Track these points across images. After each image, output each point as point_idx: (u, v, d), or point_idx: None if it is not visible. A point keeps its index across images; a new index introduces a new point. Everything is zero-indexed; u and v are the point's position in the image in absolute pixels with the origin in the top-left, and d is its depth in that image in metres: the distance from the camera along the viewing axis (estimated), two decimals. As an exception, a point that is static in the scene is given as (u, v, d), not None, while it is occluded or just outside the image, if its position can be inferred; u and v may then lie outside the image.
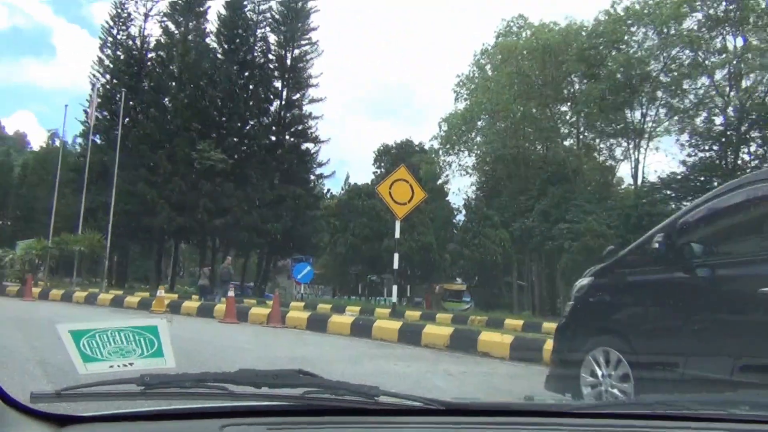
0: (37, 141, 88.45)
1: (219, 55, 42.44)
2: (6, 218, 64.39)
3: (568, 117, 42.88)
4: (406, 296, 45.62)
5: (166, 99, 41.60)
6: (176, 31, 42.19)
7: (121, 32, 42.90)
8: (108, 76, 42.11)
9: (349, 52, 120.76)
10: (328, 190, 54.50)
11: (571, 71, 39.64)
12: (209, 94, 40.57)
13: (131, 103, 40.49)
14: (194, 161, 37.68)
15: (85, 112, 39.38)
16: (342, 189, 59.72)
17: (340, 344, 11.91)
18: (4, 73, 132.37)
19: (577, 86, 41.02)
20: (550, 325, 21.95)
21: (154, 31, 43.79)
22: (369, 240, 44.99)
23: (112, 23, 42.80)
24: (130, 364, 1.61)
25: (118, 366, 1.61)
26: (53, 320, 2.11)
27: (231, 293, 16.04)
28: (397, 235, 14.53)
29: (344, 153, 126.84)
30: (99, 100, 40.11)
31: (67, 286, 24.39)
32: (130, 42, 42.62)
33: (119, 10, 42.81)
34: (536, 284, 42.27)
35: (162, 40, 42.39)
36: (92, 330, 1.60)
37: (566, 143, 43.49)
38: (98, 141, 40.28)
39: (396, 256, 14.35)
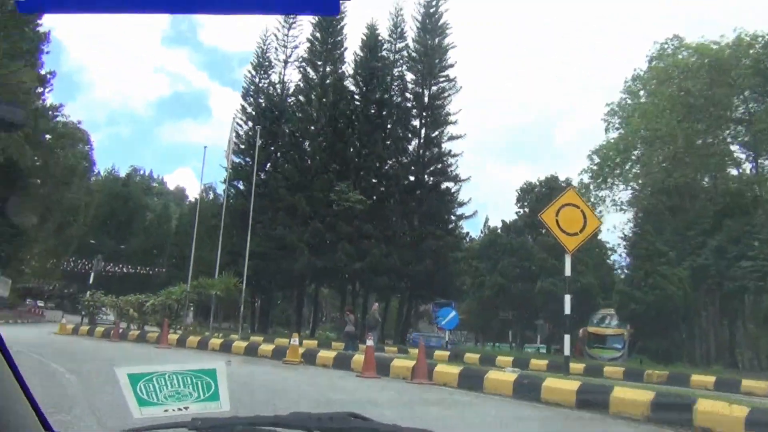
0: (194, 194, 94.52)
1: (356, 96, 41.99)
2: (162, 266, 67.82)
3: (740, 139, 37.88)
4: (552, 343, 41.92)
5: (305, 142, 41.55)
6: (314, 75, 42.38)
7: (262, 80, 43.81)
8: (250, 123, 42.88)
9: (481, 92, 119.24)
10: (467, 233, 51.87)
11: (744, 87, 34.94)
12: (347, 135, 39.98)
13: (272, 148, 40.83)
14: (332, 203, 36.87)
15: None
16: (481, 232, 56.90)
17: (508, 412, 9.39)
18: (168, 135, 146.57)
19: (752, 104, 36.09)
20: (752, 384, 18.08)
21: (293, 76, 44.43)
22: (519, 281, 41.67)
23: (254, 72, 43.90)
24: (185, 408, 1.62)
25: (173, 410, 1.61)
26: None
27: (370, 342, 13.96)
28: (568, 272, 11.84)
29: (481, 195, 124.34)
30: (243, 146, 40.72)
31: (207, 332, 23.64)
32: (271, 89, 43.36)
33: (261, 59, 43.86)
34: (710, 331, 36.94)
35: (301, 85, 42.75)
36: (150, 374, 1.61)
37: (740, 169, 38.35)
38: (241, 187, 40.78)
39: (567, 298, 11.64)
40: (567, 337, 11.87)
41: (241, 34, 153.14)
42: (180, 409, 1.61)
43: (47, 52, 53.03)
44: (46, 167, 46.63)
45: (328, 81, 41.98)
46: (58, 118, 49.42)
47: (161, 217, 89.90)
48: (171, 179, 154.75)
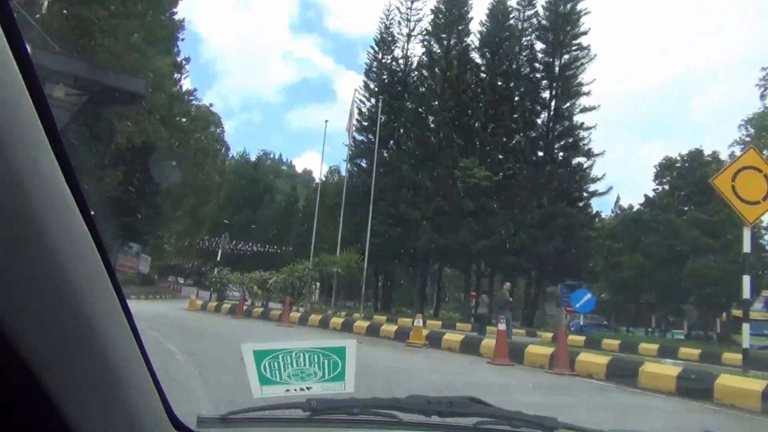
0: (321, 176, 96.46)
1: (482, 68, 40.08)
2: (289, 244, 69.34)
3: None
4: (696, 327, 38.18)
5: (429, 117, 40.23)
6: (438, 48, 40.88)
7: (385, 56, 42.90)
8: (373, 100, 42.16)
9: (608, 60, 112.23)
10: (598, 212, 48.48)
11: None
12: (472, 109, 38.23)
13: (394, 124, 39.87)
14: (457, 179, 35.38)
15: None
16: (612, 211, 53.08)
17: (681, 415, 7.65)
18: (296, 119, 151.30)
19: None
20: None
21: (416, 50, 43.16)
22: (665, 263, 38.15)
23: (377, 48, 43.07)
24: (308, 388, 1.58)
25: (295, 390, 1.57)
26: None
27: (502, 325, 12.48)
28: (747, 247, 9.71)
29: (611, 173, 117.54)
30: (365, 123, 40.08)
31: (329, 311, 23.11)
32: (394, 64, 42.36)
33: (383, 35, 42.92)
34: None
35: (424, 59, 41.42)
36: (277, 351, 1.57)
37: None
38: (363, 165, 40.23)
39: (746, 280, 9.55)
40: (746, 327, 9.76)
41: (366, 18, 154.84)
42: (302, 389, 1.56)
43: (182, 39, 55.38)
44: (181, 149, 48.55)
45: (452, 53, 40.31)
46: (192, 102, 51.44)
47: (289, 198, 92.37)
48: (299, 162, 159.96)
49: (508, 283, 21.66)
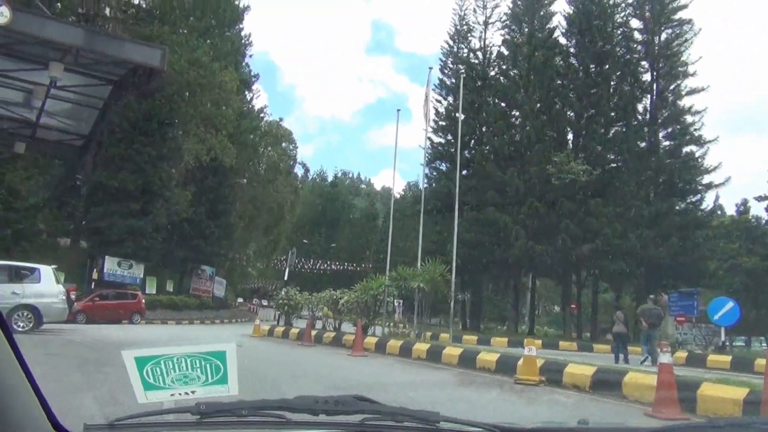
0: (399, 192, 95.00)
1: (571, 51, 35.43)
2: (368, 261, 66.10)
3: None
4: None
5: (514, 110, 35.90)
6: (520, 34, 36.57)
7: (461, 49, 38.96)
8: (450, 98, 38.25)
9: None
10: (718, 205, 42.34)
11: None
12: (564, 97, 33.63)
13: (475, 121, 35.78)
14: (551, 177, 30.80)
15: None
16: (736, 208, 46.58)
17: None
18: (373, 139, 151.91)
19: None
20: None
21: (494, 40, 39.04)
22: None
23: (451, 42, 39.25)
24: (192, 392, 1.58)
25: (180, 394, 1.58)
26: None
27: (666, 357, 8.23)
28: None
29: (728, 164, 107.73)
30: (443, 123, 36.24)
31: (411, 333, 19.23)
32: (471, 55, 38.35)
33: (458, 26, 39.08)
34: None
35: (503, 50, 37.23)
36: (158, 356, 1.57)
37: None
38: (443, 168, 36.31)
39: None
40: None
41: (436, 36, 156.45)
42: (187, 393, 1.57)
43: (251, 56, 53.62)
44: (251, 166, 46.20)
45: (536, 38, 35.91)
46: (262, 117, 49.22)
47: (367, 215, 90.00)
48: (377, 180, 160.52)
49: (665, 295, 17.52)
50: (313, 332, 19.88)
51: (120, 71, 12.47)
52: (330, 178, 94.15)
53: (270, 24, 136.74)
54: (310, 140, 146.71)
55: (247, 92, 49.32)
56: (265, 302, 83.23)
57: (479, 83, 36.78)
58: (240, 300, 65.56)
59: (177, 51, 38.31)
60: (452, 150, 36.23)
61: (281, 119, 57.97)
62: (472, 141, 35.73)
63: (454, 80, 37.06)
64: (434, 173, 36.59)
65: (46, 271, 16.77)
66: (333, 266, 62.21)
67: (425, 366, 14.13)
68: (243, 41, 50.72)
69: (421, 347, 15.84)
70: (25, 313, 16.00)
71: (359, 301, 18.73)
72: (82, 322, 29.45)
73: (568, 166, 29.90)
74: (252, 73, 52.61)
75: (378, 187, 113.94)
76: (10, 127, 14.63)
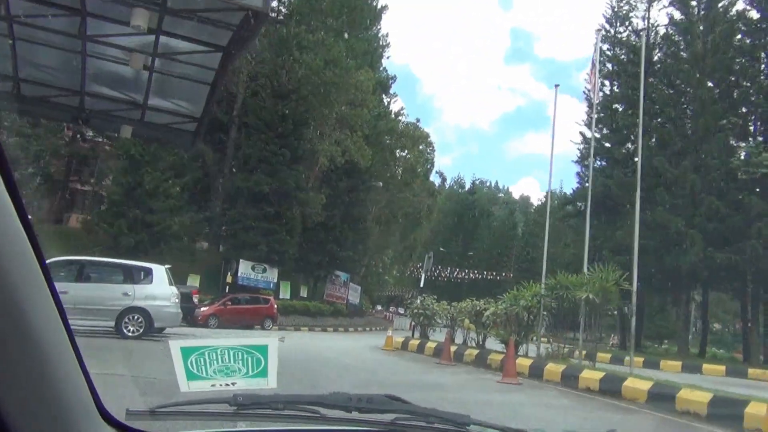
0: (538, 201, 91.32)
1: (756, 24, 29.64)
2: (509, 270, 62.03)
3: None
4: None
5: (685, 96, 30.70)
6: (691, 9, 31.35)
7: (619, 30, 34.33)
8: (606, 89, 33.75)
9: None
10: None
11: None
12: (748, 78, 28.13)
13: (633, 111, 31.06)
14: (735, 171, 25.52)
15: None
16: None
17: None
18: (512, 148, 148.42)
19: None
20: None
21: (660, 18, 34.10)
22: None
23: (608, 25, 34.72)
24: (233, 383, 1.62)
25: (220, 385, 1.62)
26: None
27: None
28: None
29: None
30: (601, 115, 31.93)
31: (572, 354, 15.59)
32: (633, 38, 33.56)
33: (616, 8, 34.45)
34: None
35: (672, 27, 32.01)
36: (202, 347, 1.63)
37: None
38: (599, 164, 31.87)
39: None
40: None
41: (574, 41, 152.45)
42: (227, 384, 1.61)
43: (388, 57, 51.80)
44: (387, 169, 44.06)
45: (713, 11, 30.48)
46: (399, 120, 47.08)
47: (506, 223, 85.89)
48: (516, 189, 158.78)
49: None
50: (452, 348, 16.80)
51: (224, 32, 10.14)
52: (467, 186, 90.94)
53: (409, 37, 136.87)
54: (449, 150, 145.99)
55: (384, 96, 47.47)
56: (401, 310, 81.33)
57: (637, 70, 31.83)
58: (378, 307, 63.98)
59: (313, 50, 37.11)
60: (610, 145, 31.85)
61: (418, 120, 55.66)
62: (633, 134, 31.00)
63: (612, 65, 32.55)
64: (587, 172, 32.14)
65: (160, 271, 15.01)
66: (471, 275, 58.73)
67: (601, 403, 10.58)
68: (380, 42, 49.06)
69: (591, 375, 12.24)
70: (136, 317, 14.25)
71: (508, 314, 15.37)
72: (214, 326, 28.35)
73: (759, 157, 24.51)
74: (389, 75, 50.91)
75: (516, 195, 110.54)
76: (114, 109, 12.91)
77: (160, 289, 14.72)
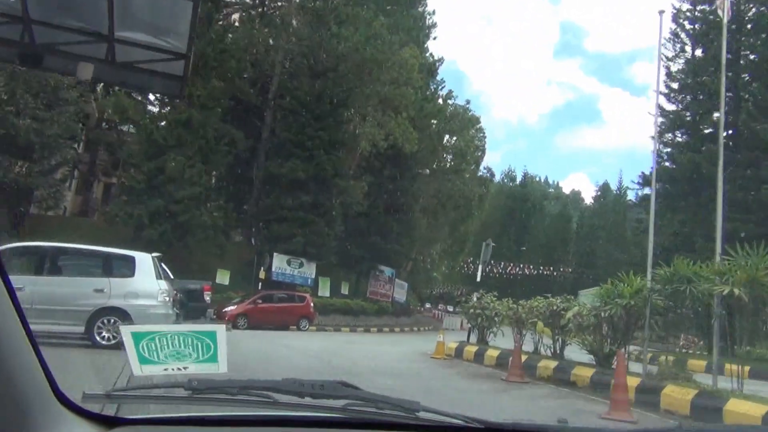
0: (589, 197, 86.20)
1: None
2: (567, 265, 57.25)
3: None
4: None
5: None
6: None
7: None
8: (686, 54, 28.94)
9: None
10: None
11: None
12: None
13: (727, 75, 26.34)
14: None
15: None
16: None
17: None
18: (562, 142, 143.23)
19: None
20: None
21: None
22: None
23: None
24: (185, 368, 1.66)
25: (173, 369, 1.65)
26: None
27: None
28: None
29: None
30: (674, 85, 27.32)
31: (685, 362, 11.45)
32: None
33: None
34: None
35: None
36: (153, 332, 1.67)
37: None
38: (680, 139, 27.22)
39: None
40: None
41: (625, 34, 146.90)
42: (179, 369, 1.64)
43: (434, 38, 47.61)
44: (435, 155, 40.13)
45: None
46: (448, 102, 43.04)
47: (561, 217, 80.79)
48: (565, 184, 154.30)
49: None
50: (523, 357, 12.81)
51: None
52: (518, 179, 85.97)
53: (455, 32, 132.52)
54: (497, 147, 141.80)
55: (430, 81, 43.43)
56: (450, 308, 77.23)
57: (734, 25, 27.06)
58: (427, 305, 59.97)
59: (353, 24, 33.55)
60: (692, 117, 27.17)
61: (468, 102, 51.41)
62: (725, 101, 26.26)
63: (697, 25, 27.83)
64: (665, 149, 27.53)
65: (144, 261, 11.54)
66: (526, 270, 54.23)
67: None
68: (426, 21, 45.07)
69: (741, 408, 8.18)
70: (112, 320, 10.84)
71: (599, 316, 11.32)
72: (244, 327, 25.05)
73: None
74: (436, 58, 46.73)
75: (567, 190, 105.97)
76: (73, 42, 9.50)
77: (144, 283, 11.27)
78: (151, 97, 32.37)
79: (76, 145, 32.63)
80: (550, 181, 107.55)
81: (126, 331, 1.69)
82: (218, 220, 29.02)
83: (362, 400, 1.48)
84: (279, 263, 29.89)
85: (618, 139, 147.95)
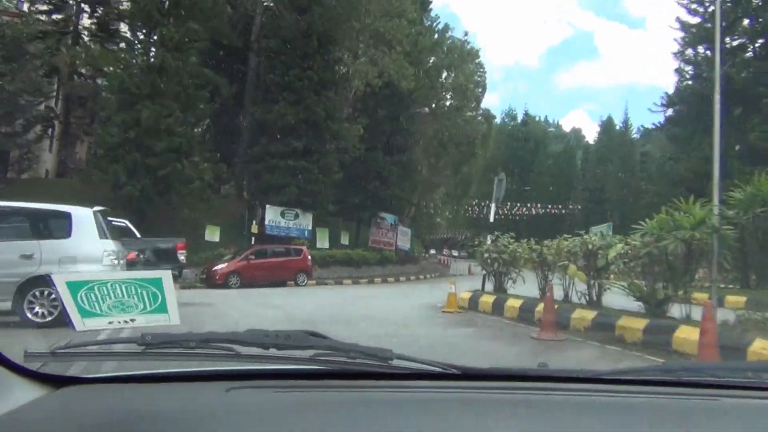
0: (591, 135, 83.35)
1: None
2: (575, 203, 54.95)
3: None
4: None
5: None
6: None
7: None
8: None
9: None
10: None
11: None
12: None
13: None
14: None
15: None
16: None
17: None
18: (560, 81, 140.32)
19: None
20: None
21: None
22: None
23: None
24: (132, 320, 1.56)
25: (119, 322, 1.55)
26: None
27: None
28: None
29: None
30: None
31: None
32: None
33: None
34: None
35: None
36: (91, 281, 1.52)
37: None
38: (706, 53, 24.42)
39: None
40: None
41: None
42: (126, 321, 1.53)
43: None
44: (433, 92, 37.30)
45: None
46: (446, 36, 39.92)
47: (565, 155, 78.10)
48: (565, 123, 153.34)
49: None
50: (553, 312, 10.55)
51: None
52: (519, 119, 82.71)
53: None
54: (493, 89, 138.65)
55: (424, 17, 40.15)
56: (455, 253, 75.27)
57: None
58: (432, 251, 57.88)
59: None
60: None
61: (467, 34, 48.08)
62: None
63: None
64: (687, 67, 24.75)
65: (83, 217, 9.21)
66: (532, 210, 51.97)
67: None
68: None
69: None
70: (46, 292, 8.60)
71: (651, 254, 9.01)
72: (236, 286, 23.00)
73: None
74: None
75: (567, 128, 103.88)
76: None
77: (83, 245, 9.00)
78: (123, 45, 29.52)
79: (50, 103, 30.02)
80: (550, 120, 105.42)
81: (59, 281, 1.52)
82: (204, 173, 26.61)
83: (331, 350, 1.38)
84: (272, 216, 27.61)
85: (617, 74, 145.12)
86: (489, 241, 15.46)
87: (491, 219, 16.05)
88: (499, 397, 1.33)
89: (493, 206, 16.05)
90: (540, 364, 1.63)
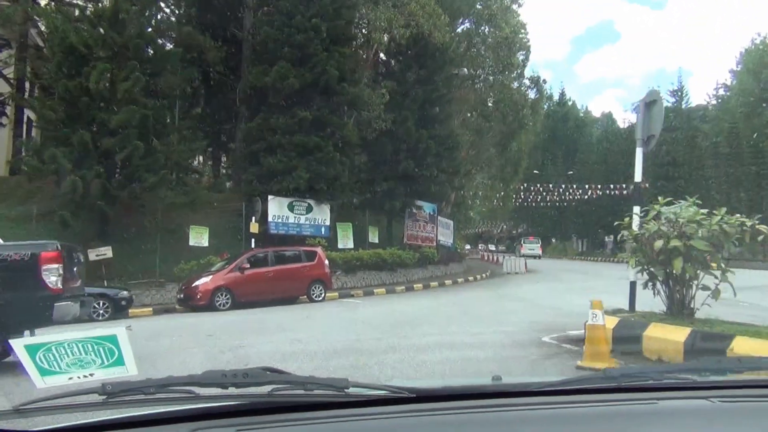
0: (621, 119, 76.10)
1: None
2: (627, 185, 47.33)
3: None
4: None
5: None
6: None
7: None
8: None
9: None
10: None
11: None
12: None
13: None
14: None
15: None
16: None
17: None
18: (584, 71, 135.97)
19: None
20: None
21: None
22: None
23: None
24: (90, 375, 1.55)
25: (78, 377, 1.54)
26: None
27: None
28: None
29: None
30: None
31: None
32: None
33: None
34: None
35: None
36: (47, 343, 1.54)
37: None
38: None
39: None
40: None
41: None
42: (85, 376, 1.53)
43: None
44: (473, 48, 30.03)
45: None
46: None
47: (604, 138, 70.15)
48: (593, 107, 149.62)
49: None
50: None
51: None
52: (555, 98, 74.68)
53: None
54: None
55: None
56: (492, 247, 67.41)
57: None
58: (468, 247, 50.53)
59: None
60: None
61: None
62: None
63: None
64: None
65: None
66: (591, 192, 44.46)
67: None
68: None
69: None
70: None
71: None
72: (225, 307, 16.17)
73: None
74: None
75: (597, 114, 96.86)
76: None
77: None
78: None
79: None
80: (579, 106, 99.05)
81: (17, 345, 1.50)
82: (182, 156, 19.83)
83: (289, 384, 1.41)
84: (277, 209, 20.68)
85: (642, 59, 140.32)
86: (637, 221, 8.33)
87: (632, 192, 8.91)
88: (452, 418, 1.34)
89: (639, 159, 8.89)
90: (494, 378, 1.62)
